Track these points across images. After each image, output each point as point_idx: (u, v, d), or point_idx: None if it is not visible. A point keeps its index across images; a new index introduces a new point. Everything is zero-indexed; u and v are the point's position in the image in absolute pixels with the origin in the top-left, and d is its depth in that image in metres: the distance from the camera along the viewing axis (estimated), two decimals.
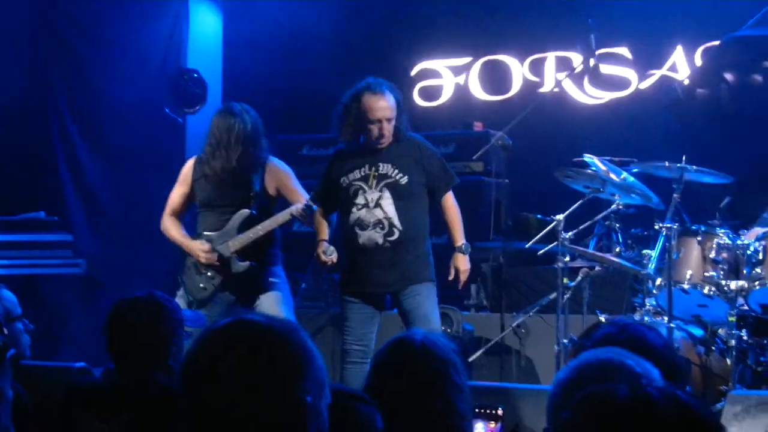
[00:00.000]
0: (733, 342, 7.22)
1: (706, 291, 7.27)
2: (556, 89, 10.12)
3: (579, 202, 8.03)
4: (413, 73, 11.68)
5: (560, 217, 7.67)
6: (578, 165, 7.92)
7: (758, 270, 7.18)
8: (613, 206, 7.97)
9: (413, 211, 7.23)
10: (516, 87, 11.29)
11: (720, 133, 9.61)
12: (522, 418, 6.53)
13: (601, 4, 10.08)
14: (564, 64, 10.88)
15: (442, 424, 3.49)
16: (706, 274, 7.27)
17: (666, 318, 7.09)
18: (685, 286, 7.24)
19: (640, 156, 8.24)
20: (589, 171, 7.66)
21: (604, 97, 10.87)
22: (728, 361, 7.20)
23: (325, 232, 7.39)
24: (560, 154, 10.26)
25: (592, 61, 8.66)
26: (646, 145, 9.32)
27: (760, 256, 7.20)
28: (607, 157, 8.11)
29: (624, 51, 10.77)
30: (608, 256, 7.81)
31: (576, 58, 10.45)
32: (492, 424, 3.91)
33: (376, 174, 7.19)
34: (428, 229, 7.30)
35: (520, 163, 9.28)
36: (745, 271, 7.22)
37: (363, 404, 3.18)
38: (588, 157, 7.82)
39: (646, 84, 10.78)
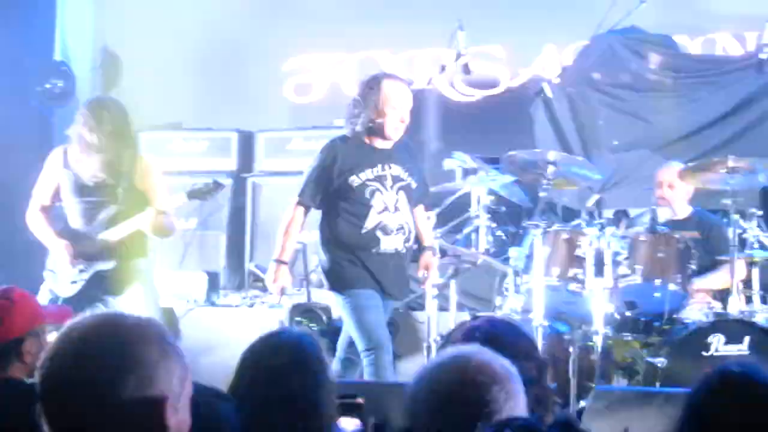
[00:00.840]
0: (598, 338, 7.33)
1: (572, 288, 7.36)
2: (428, 86, 10.15)
3: (450, 199, 8.08)
4: (286, 68, 11.62)
5: (431, 213, 7.70)
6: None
7: (623, 268, 7.28)
8: (483, 203, 8.03)
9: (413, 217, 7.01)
10: None
11: (588, 133, 9.74)
12: (389, 415, 6.53)
13: (474, 2, 10.13)
14: (436, 62, 10.91)
15: (306, 424, 3.46)
16: (573, 271, 7.35)
17: (533, 315, 7.16)
18: (552, 283, 7.32)
19: None
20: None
21: (475, 94, 10.93)
22: (593, 357, 7.30)
23: (290, 251, 6.98)
24: (432, 151, 10.32)
25: (464, 59, 8.70)
26: (517, 142, 9.39)
27: (625, 254, 7.31)
28: (478, 155, 8.16)
29: (495, 49, 10.85)
30: (477, 253, 7.86)
31: (448, 56, 10.49)
32: (356, 422, 3.88)
33: (391, 175, 6.83)
34: None
35: None
36: (610, 269, 7.33)
37: (223, 402, 3.14)
38: (458, 155, 7.86)
39: (516, 82, 10.87)
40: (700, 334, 7.01)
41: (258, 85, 11.42)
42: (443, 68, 9.28)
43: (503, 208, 8.35)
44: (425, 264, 7.08)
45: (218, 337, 8.91)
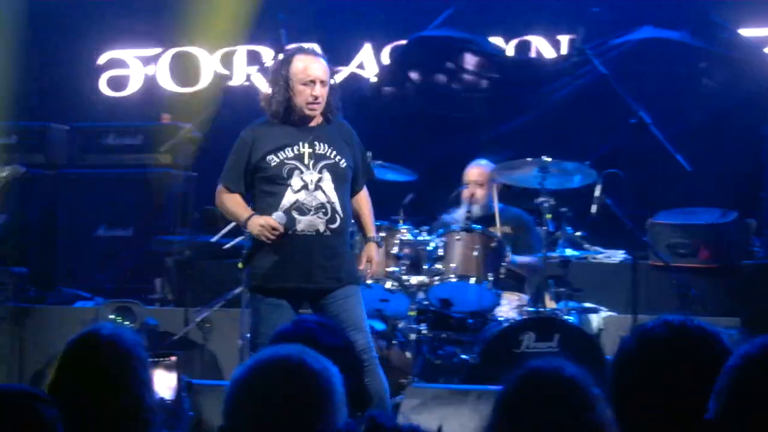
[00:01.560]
0: (413, 336, 7.42)
1: (388, 286, 7.41)
2: (246, 83, 10.10)
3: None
4: (101, 61, 11.42)
5: None
6: None
7: (438, 265, 7.36)
8: None
9: (347, 199, 6.53)
10: (206, 80, 11.22)
11: (405, 131, 9.82)
12: (204, 413, 6.49)
13: None
14: (254, 58, 10.88)
15: (130, 420, 3.42)
16: (388, 269, 7.41)
17: None
18: (368, 281, 7.35)
19: None
20: None
21: None
22: (408, 354, 7.38)
23: (247, 208, 6.45)
24: None
25: (281, 56, 8.68)
26: None
27: (441, 252, 7.38)
28: None
29: (314, 47, 10.84)
30: None
31: (266, 53, 10.48)
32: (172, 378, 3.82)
33: (313, 153, 6.42)
34: None
35: (209, 156, 9.22)
36: (425, 267, 7.40)
37: (43, 404, 3.06)
38: None
39: (334, 80, 10.88)
40: (512, 331, 7.14)
41: (71, 79, 11.20)
42: (262, 65, 9.26)
43: None
44: (368, 256, 6.67)
45: (30, 336, 8.74)
